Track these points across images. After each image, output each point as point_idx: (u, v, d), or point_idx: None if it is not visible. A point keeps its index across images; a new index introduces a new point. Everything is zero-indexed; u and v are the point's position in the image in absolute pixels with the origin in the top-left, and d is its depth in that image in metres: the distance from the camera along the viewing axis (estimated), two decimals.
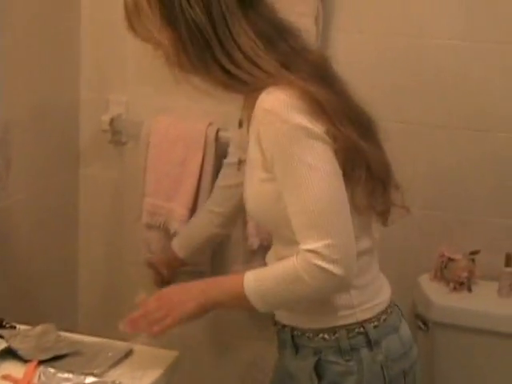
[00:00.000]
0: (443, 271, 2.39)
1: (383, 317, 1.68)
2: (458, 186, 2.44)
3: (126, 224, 2.68)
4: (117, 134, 2.63)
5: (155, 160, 2.51)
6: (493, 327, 2.26)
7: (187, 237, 2.15)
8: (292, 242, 1.55)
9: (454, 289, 2.35)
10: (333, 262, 1.49)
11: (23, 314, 1.96)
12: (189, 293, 1.63)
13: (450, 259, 2.38)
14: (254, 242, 2.31)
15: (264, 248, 2.18)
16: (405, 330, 1.72)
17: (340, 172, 1.55)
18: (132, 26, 1.64)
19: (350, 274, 1.52)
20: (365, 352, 1.64)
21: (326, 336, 1.65)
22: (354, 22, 2.37)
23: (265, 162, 1.57)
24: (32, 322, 1.80)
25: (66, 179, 2.69)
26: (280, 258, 1.61)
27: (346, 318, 1.65)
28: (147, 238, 2.55)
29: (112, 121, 2.59)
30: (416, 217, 2.31)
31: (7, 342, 1.67)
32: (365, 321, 1.65)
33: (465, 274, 2.34)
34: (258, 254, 2.28)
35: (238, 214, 2.08)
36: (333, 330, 1.65)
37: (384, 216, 1.68)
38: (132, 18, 1.63)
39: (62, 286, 2.74)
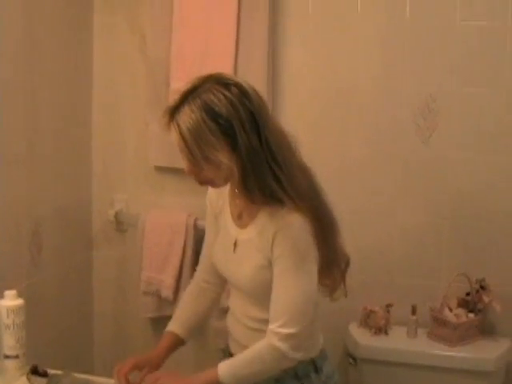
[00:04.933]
0: (367, 320, 2.60)
1: (322, 349, 1.89)
2: (377, 258, 2.66)
3: (129, 291, 2.90)
4: (120, 224, 2.88)
5: (149, 243, 2.76)
6: (405, 361, 2.47)
7: (185, 318, 2.00)
8: (268, 308, 1.74)
9: (375, 333, 2.57)
10: (292, 348, 1.71)
11: (54, 360, 2.10)
12: None
13: (372, 311, 2.59)
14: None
15: None
16: (328, 357, 1.92)
17: (316, 279, 1.72)
18: (191, 154, 1.62)
19: (300, 354, 1.73)
20: (313, 375, 1.85)
21: (286, 368, 1.79)
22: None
23: (268, 253, 1.71)
24: (57, 367, 1.95)
25: (82, 259, 2.87)
26: (256, 319, 1.79)
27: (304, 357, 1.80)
28: (145, 302, 2.81)
29: (116, 214, 2.85)
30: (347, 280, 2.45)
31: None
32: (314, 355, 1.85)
33: (383, 322, 2.57)
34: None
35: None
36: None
37: (332, 294, 1.87)
38: (192, 149, 1.61)
39: (80, 338, 2.90)
